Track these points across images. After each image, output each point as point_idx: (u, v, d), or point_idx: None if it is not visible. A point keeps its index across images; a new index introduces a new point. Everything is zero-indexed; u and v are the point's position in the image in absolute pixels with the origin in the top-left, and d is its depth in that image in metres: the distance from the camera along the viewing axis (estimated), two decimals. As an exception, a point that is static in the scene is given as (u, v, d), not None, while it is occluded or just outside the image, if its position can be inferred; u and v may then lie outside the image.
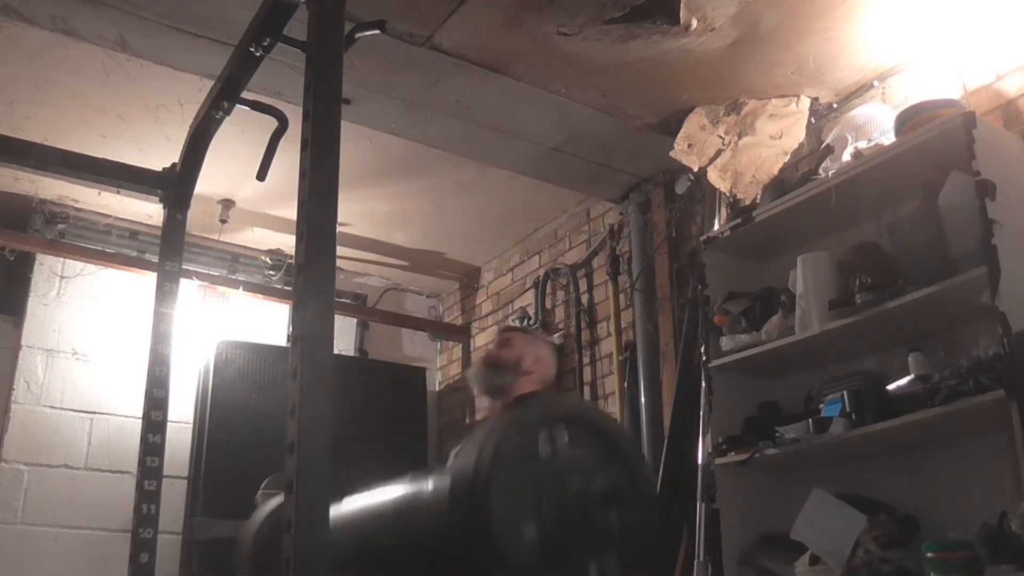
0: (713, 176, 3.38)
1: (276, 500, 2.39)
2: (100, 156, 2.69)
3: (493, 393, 2.55)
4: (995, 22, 2.78)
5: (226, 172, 3.84)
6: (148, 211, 4.31)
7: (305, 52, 1.55)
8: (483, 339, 5.04)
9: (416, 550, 1.82)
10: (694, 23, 2.89)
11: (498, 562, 1.50)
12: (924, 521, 2.54)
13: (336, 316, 1.41)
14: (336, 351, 2.31)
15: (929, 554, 2.29)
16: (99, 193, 4.20)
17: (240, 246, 4.81)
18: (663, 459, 3.40)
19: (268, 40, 1.93)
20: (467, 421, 4.95)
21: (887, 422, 2.49)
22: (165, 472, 2.26)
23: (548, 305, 4.55)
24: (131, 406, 4.06)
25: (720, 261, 3.24)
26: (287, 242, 4.75)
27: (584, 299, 4.29)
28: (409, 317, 5.38)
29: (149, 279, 3.10)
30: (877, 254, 2.75)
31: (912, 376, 2.53)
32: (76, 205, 4.37)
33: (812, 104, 3.33)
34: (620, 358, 3.94)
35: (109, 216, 4.46)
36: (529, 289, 4.70)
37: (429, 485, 1.75)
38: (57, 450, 4.12)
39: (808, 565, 2.61)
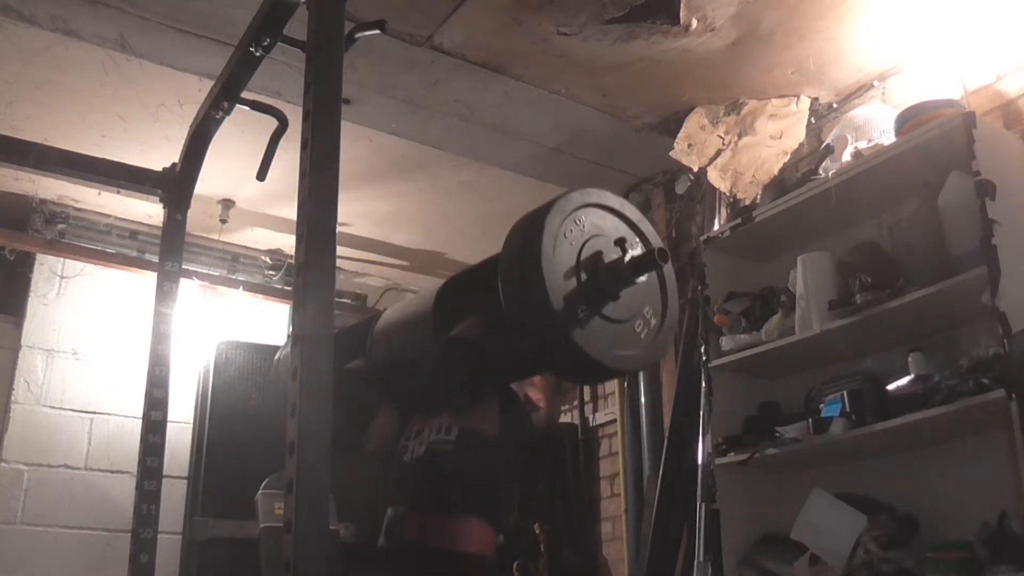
0: (713, 176, 3.38)
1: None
2: (100, 156, 2.69)
3: None
4: (995, 22, 2.78)
5: (226, 172, 3.84)
6: (148, 211, 4.30)
7: (305, 52, 1.55)
8: (483, 339, 5.03)
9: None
10: (694, 23, 2.89)
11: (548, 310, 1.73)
12: (924, 521, 2.54)
13: (336, 316, 1.41)
14: (336, 351, 2.31)
15: (929, 554, 2.29)
16: (99, 193, 4.19)
17: (240, 246, 4.80)
18: (663, 459, 3.40)
19: (268, 40, 1.93)
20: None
21: (887, 422, 2.49)
22: (165, 472, 2.26)
23: (548, 305, 4.55)
24: (131, 406, 4.05)
25: (720, 261, 3.24)
26: (287, 242, 4.75)
27: (584, 299, 4.28)
28: (409, 317, 5.36)
29: (149, 279, 3.10)
30: (877, 254, 2.75)
31: (912, 376, 2.53)
32: (76, 205, 4.37)
33: (812, 104, 3.33)
34: (620, 358, 3.94)
35: (109, 216, 4.45)
36: (529, 289, 4.69)
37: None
38: (57, 450, 4.11)
39: (808, 565, 2.61)
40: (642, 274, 1.87)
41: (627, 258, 1.85)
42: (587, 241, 1.85)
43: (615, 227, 1.93)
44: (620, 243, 1.87)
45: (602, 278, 1.82)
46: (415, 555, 2.13)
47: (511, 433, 2.21)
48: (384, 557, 2.21)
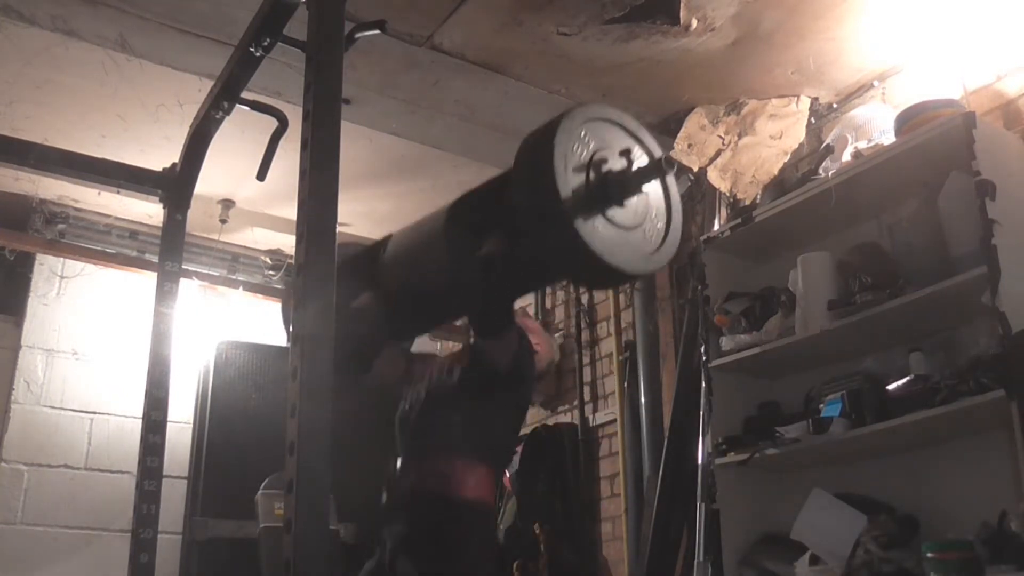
0: (713, 176, 3.38)
1: None
2: (100, 156, 2.68)
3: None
4: (995, 22, 2.78)
5: (226, 172, 3.84)
6: (148, 211, 4.31)
7: (305, 52, 1.55)
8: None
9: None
10: (694, 23, 2.89)
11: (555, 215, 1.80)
12: (924, 521, 2.54)
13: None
14: (336, 351, 2.33)
15: (929, 554, 2.29)
16: (99, 193, 4.20)
17: (240, 246, 4.80)
18: (663, 459, 3.40)
19: (268, 40, 1.94)
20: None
21: (887, 422, 2.49)
22: (165, 472, 2.26)
23: (548, 305, 4.55)
24: (131, 406, 4.06)
25: (720, 261, 3.24)
26: (287, 242, 4.75)
27: (584, 299, 4.29)
28: (409, 317, 5.36)
29: (149, 279, 3.10)
30: (877, 254, 2.75)
31: (912, 376, 2.53)
32: (76, 205, 4.37)
33: (812, 104, 3.33)
34: (620, 358, 3.94)
35: (109, 216, 4.46)
36: (529, 289, 4.69)
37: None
38: (57, 450, 4.12)
39: (808, 565, 2.61)
40: (647, 182, 1.95)
41: (633, 167, 1.92)
42: (594, 154, 1.93)
43: (620, 139, 1.99)
44: (625, 154, 1.93)
45: (609, 185, 1.89)
46: (416, 505, 2.19)
47: (520, 364, 2.27)
48: (387, 508, 2.24)
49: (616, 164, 1.94)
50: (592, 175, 1.91)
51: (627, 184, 1.92)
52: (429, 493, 2.17)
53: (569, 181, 1.85)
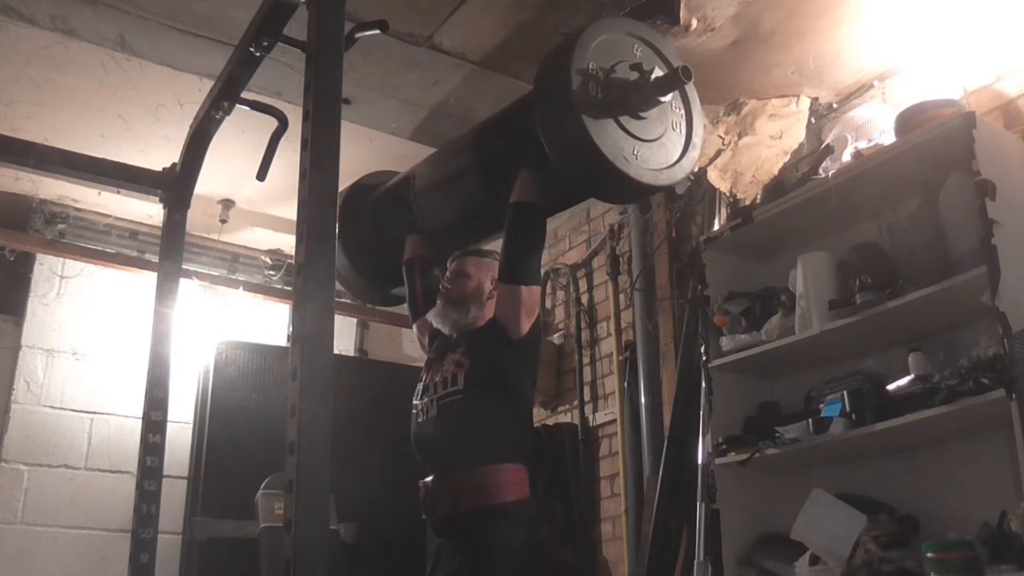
0: (713, 176, 3.38)
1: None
2: (100, 156, 2.69)
3: (463, 329, 2.39)
4: (994, 23, 2.78)
5: (226, 172, 3.84)
6: (148, 211, 4.31)
7: (305, 52, 1.56)
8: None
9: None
10: (694, 23, 2.89)
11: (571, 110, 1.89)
12: (924, 521, 2.54)
13: (336, 316, 1.42)
14: (336, 351, 2.32)
15: (929, 554, 2.29)
16: (99, 193, 4.20)
17: (240, 246, 4.81)
18: (663, 459, 3.40)
19: (268, 40, 1.94)
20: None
21: (887, 422, 2.49)
22: (165, 472, 2.26)
23: (548, 305, 4.55)
24: (131, 406, 4.05)
25: (720, 261, 3.24)
26: (287, 242, 4.75)
27: (584, 299, 4.29)
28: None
29: (149, 279, 3.10)
30: (877, 254, 2.75)
31: (912, 376, 2.53)
32: (76, 205, 4.37)
33: (812, 104, 3.33)
34: (620, 358, 3.94)
35: (109, 216, 4.46)
36: (529, 289, 4.68)
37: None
38: (57, 450, 4.12)
39: (808, 565, 2.61)
40: (663, 94, 1.98)
41: (651, 77, 1.97)
42: (614, 64, 2.00)
43: (640, 53, 2.06)
44: (642, 66, 1.99)
45: (624, 94, 1.94)
46: (463, 521, 2.20)
47: (535, 331, 2.31)
48: (432, 529, 2.26)
49: (632, 75, 1.99)
50: (607, 82, 1.96)
51: (642, 94, 1.96)
52: (474, 509, 2.18)
53: (583, 82, 1.91)
